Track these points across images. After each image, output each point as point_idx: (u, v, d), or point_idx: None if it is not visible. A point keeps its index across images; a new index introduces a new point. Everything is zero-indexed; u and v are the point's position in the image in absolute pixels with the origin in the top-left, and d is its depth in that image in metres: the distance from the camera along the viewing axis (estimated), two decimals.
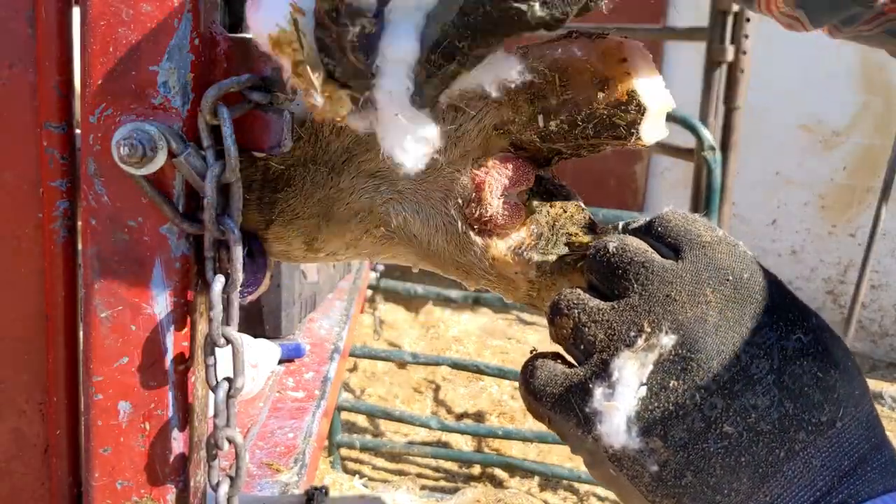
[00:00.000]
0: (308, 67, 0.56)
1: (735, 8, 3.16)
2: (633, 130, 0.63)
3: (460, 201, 0.67)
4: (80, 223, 0.66)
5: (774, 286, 0.55)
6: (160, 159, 0.61)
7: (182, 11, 0.61)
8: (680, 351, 0.53)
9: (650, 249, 0.58)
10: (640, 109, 0.62)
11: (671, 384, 0.52)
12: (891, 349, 5.56)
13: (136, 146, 0.59)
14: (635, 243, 0.59)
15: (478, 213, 0.66)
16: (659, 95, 0.64)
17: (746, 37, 3.17)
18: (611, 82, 0.63)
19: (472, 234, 0.67)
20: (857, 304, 5.10)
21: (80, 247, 0.66)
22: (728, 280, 0.54)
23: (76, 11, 0.64)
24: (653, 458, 0.52)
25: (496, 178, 0.66)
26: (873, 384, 5.14)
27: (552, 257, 0.66)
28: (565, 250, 0.67)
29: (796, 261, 5.79)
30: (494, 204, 0.66)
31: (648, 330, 0.54)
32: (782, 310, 0.53)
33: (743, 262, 0.56)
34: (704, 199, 3.23)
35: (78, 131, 0.65)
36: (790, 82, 5.09)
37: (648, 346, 0.53)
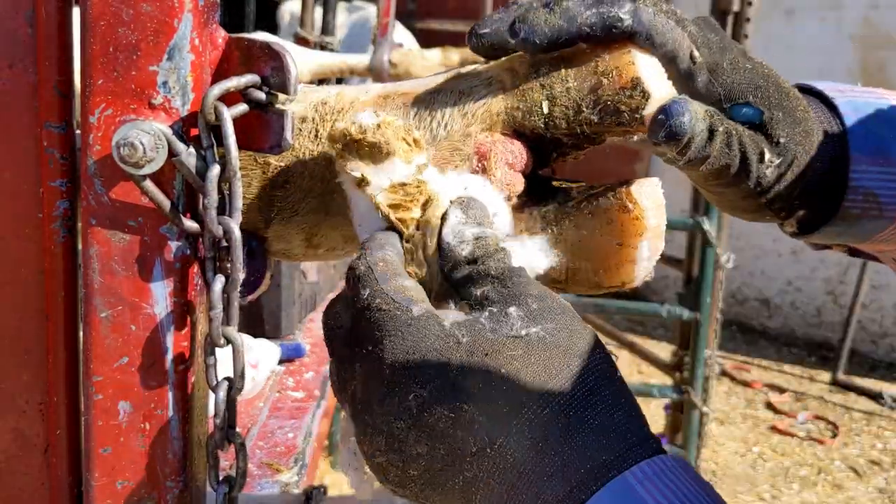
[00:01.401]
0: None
1: (735, 8, 3.16)
2: (636, 116, 0.64)
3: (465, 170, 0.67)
4: (80, 223, 0.66)
5: (389, 351, 0.58)
6: (160, 159, 0.61)
7: (182, 11, 0.61)
8: (355, 428, 0.61)
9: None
10: (645, 95, 0.64)
11: (365, 450, 0.60)
12: (891, 349, 5.56)
13: (136, 146, 0.59)
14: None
15: None
16: (662, 83, 0.65)
17: (746, 37, 3.18)
18: (615, 70, 0.64)
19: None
20: (857, 304, 5.10)
21: (80, 247, 0.66)
22: (362, 354, 0.59)
23: (76, 11, 0.64)
24: (398, 495, 0.60)
25: (501, 151, 0.66)
26: (873, 384, 5.14)
27: (555, 205, 0.67)
28: (566, 198, 0.67)
29: (796, 261, 5.79)
30: (498, 175, 0.66)
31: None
32: (396, 375, 0.57)
33: (373, 334, 0.59)
34: (704, 199, 3.23)
35: (78, 131, 0.65)
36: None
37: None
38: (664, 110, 0.63)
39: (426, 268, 0.64)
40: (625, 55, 0.64)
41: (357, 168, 0.64)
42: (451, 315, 0.59)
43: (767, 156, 0.71)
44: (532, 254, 0.66)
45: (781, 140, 0.71)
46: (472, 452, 0.55)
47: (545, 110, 0.65)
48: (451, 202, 0.65)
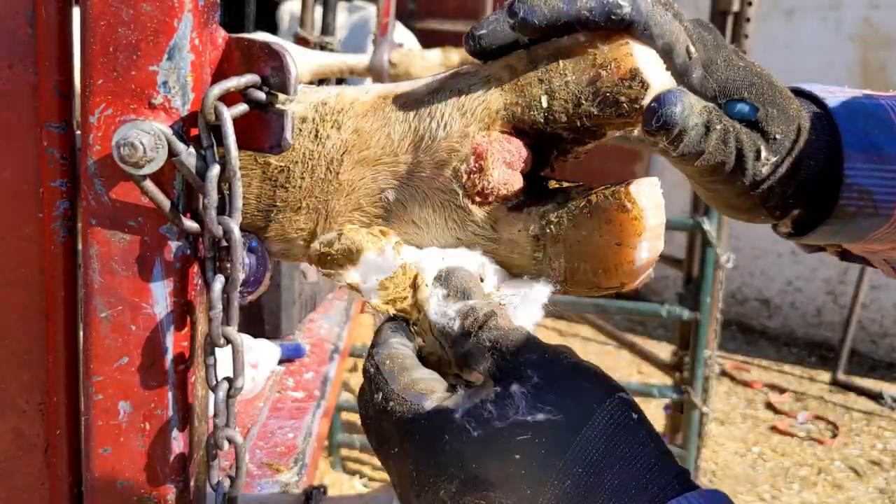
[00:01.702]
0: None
1: (735, 8, 3.16)
2: (636, 106, 0.64)
3: (462, 173, 0.67)
4: (80, 223, 0.66)
5: (412, 453, 0.60)
6: (160, 159, 0.61)
7: (182, 11, 0.61)
8: None
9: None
10: (644, 85, 0.64)
11: None
12: (891, 349, 5.55)
13: (136, 146, 0.59)
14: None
15: (480, 184, 0.66)
16: (661, 74, 0.65)
17: (746, 37, 3.18)
18: (614, 62, 0.64)
19: (472, 205, 0.67)
20: (857, 304, 5.10)
21: (80, 247, 0.66)
22: (391, 453, 0.63)
23: (76, 11, 0.64)
24: None
25: (498, 150, 0.66)
26: (873, 384, 5.14)
27: (554, 205, 0.66)
28: (564, 198, 0.67)
29: (796, 261, 5.79)
30: (496, 175, 0.66)
31: None
32: (423, 475, 0.60)
33: (395, 435, 0.62)
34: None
35: (78, 131, 0.65)
36: (789, 82, 5.07)
37: None
38: (657, 99, 0.63)
39: (437, 343, 0.67)
40: (623, 46, 0.64)
41: (343, 277, 0.69)
42: (461, 404, 0.60)
43: (763, 153, 0.71)
44: (530, 302, 0.68)
45: (777, 136, 0.71)
46: None
47: (544, 104, 0.65)
48: (430, 285, 0.67)
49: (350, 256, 0.69)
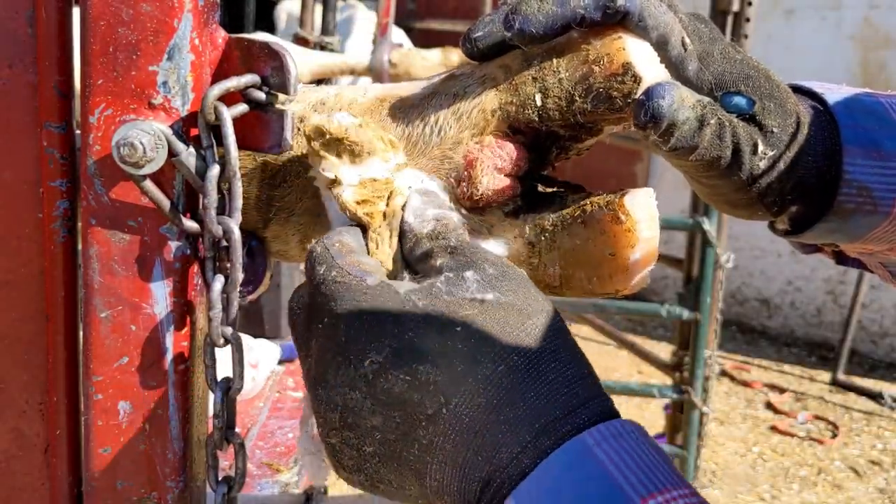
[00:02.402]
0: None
1: (735, 8, 3.17)
2: (629, 101, 0.63)
3: (452, 181, 0.67)
4: (80, 223, 0.66)
5: (344, 319, 0.58)
6: (160, 159, 0.61)
7: (182, 11, 0.61)
8: (312, 406, 0.61)
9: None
10: (636, 80, 0.63)
11: (319, 432, 0.60)
12: (891, 349, 5.56)
13: (136, 146, 0.59)
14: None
15: (469, 192, 0.66)
16: (654, 68, 0.65)
17: (746, 37, 3.18)
18: (606, 57, 0.64)
19: (464, 210, 0.67)
20: (857, 304, 5.10)
21: (80, 247, 0.66)
22: (318, 328, 0.60)
23: (76, 11, 0.64)
24: (351, 482, 0.61)
25: (488, 157, 0.66)
26: (873, 384, 5.14)
27: (549, 213, 0.67)
28: (560, 206, 0.67)
29: (796, 261, 5.79)
30: (484, 182, 0.66)
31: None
32: (352, 342, 0.57)
33: (328, 305, 0.59)
34: None
35: (78, 131, 0.65)
36: (789, 82, 5.07)
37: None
38: (646, 92, 0.63)
39: (389, 258, 0.65)
40: (615, 41, 0.64)
41: (332, 169, 0.66)
42: (407, 284, 0.60)
43: (761, 147, 0.70)
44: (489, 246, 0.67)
45: (774, 130, 0.71)
46: (427, 415, 0.55)
47: (538, 103, 0.65)
48: (411, 188, 0.67)
49: (357, 152, 0.66)
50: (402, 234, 0.65)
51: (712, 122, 0.66)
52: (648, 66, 0.64)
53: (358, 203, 0.65)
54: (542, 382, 0.55)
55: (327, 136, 0.65)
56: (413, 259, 0.64)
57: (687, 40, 0.70)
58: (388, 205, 0.66)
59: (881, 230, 0.75)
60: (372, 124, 0.67)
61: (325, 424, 0.58)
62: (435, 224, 0.64)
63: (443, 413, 0.54)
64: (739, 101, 0.71)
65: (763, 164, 0.71)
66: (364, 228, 0.66)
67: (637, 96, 0.63)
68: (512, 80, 0.66)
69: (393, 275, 0.65)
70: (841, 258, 0.87)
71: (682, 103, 0.63)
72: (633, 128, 0.65)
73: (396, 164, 0.67)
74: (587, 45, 0.65)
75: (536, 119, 0.66)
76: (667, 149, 0.66)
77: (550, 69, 0.65)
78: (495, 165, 0.66)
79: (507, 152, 0.66)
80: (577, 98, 0.65)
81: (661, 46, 0.67)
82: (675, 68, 0.70)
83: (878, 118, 0.74)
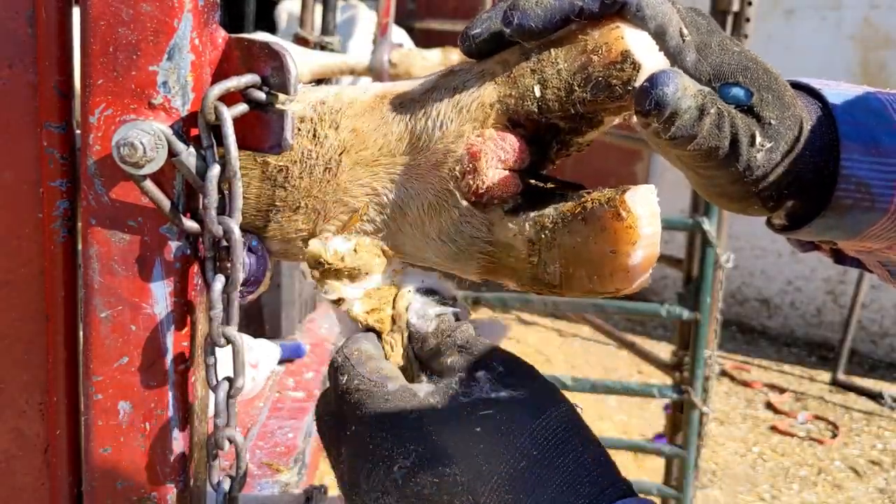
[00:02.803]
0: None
1: (735, 8, 3.16)
2: (629, 88, 0.63)
3: (457, 174, 0.67)
4: (80, 223, 0.66)
5: (372, 427, 0.61)
6: (160, 159, 0.61)
7: (182, 11, 0.61)
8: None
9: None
10: (636, 66, 0.63)
11: None
12: (891, 349, 5.56)
13: (136, 146, 0.59)
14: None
15: (474, 184, 0.66)
16: (653, 55, 0.65)
17: (746, 37, 3.18)
18: (604, 46, 0.64)
19: (469, 206, 0.67)
20: (857, 304, 5.10)
21: (80, 247, 0.66)
22: (346, 436, 0.63)
23: (76, 11, 0.64)
24: None
25: (491, 149, 0.66)
26: (873, 384, 5.14)
27: (549, 210, 0.66)
28: (561, 203, 0.67)
29: (796, 261, 5.79)
30: (490, 174, 0.66)
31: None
32: (379, 448, 0.60)
33: (355, 413, 0.62)
34: (704, 199, 3.23)
35: (78, 131, 0.65)
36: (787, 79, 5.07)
37: None
38: (650, 79, 0.63)
39: (404, 357, 0.70)
40: (613, 31, 0.64)
41: (334, 291, 0.71)
42: (425, 387, 0.63)
43: (759, 139, 0.70)
44: (488, 333, 0.72)
45: (772, 122, 0.70)
46: None
47: (537, 94, 0.65)
48: (411, 291, 0.71)
49: (355, 275, 0.71)
50: (410, 337, 0.70)
51: (712, 111, 0.66)
52: (647, 54, 0.64)
53: (367, 313, 0.70)
54: (563, 473, 0.57)
55: (325, 266, 0.70)
56: (424, 357, 0.68)
57: (685, 31, 0.70)
58: (394, 308, 0.71)
59: (879, 227, 0.75)
60: (365, 244, 0.71)
61: None
62: (438, 322, 0.68)
63: None
64: (738, 92, 0.71)
65: (760, 157, 0.70)
66: (377, 333, 0.71)
67: (638, 84, 0.63)
68: (510, 73, 0.66)
69: (410, 373, 0.69)
70: (839, 257, 0.87)
71: (684, 92, 0.63)
72: (634, 115, 0.64)
73: (393, 271, 0.72)
74: (585, 36, 0.65)
75: (536, 110, 0.65)
76: (667, 137, 0.65)
77: (549, 60, 0.65)
78: (499, 157, 0.66)
79: (510, 144, 0.66)
80: (577, 88, 0.64)
81: (658, 37, 0.67)
82: (673, 59, 0.70)
83: (876, 114, 0.74)
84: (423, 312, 0.70)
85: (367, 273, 0.71)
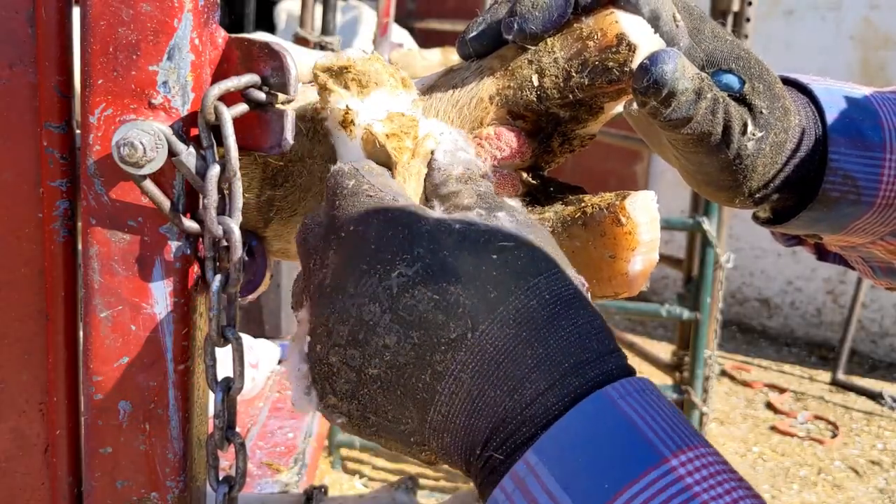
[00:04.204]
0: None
1: (735, 8, 3.17)
2: (626, 69, 0.64)
3: None
4: (80, 223, 0.66)
5: (375, 228, 0.55)
6: (160, 159, 0.61)
7: (182, 11, 0.61)
8: (315, 319, 0.57)
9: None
10: (631, 48, 0.64)
11: (318, 349, 0.56)
12: (891, 349, 5.56)
13: (136, 146, 0.59)
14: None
15: None
16: (649, 37, 0.65)
17: (746, 37, 3.18)
18: (600, 32, 0.65)
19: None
20: (857, 304, 5.10)
21: (80, 247, 0.66)
22: (341, 237, 0.57)
23: (76, 11, 0.64)
24: (338, 412, 0.57)
25: (486, 150, 0.66)
26: (873, 384, 5.14)
27: (549, 214, 0.67)
28: (560, 207, 0.67)
29: (796, 261, 5.79)
30: (486, 176, 0.66)
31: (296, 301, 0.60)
32: (382, 251, 0.55)
33: (358, 213, 0.57)
34: (704, 199, 3.23)
35: (78, 131, 0.65)
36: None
37: (298, 321, 0.59)
38: (650, 57, 0.63)
39: (416, 196, 0.64)
40: (608, 16, 0.65)
41: (341, 100, 0.64)
42: (440, 212, 0.58)
43: (750, 128, 0.70)
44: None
45: (763, 111, 0.71)
46: (449, 340, 0.52)
47: (535, 83, 0.66)
48: (442, 133, 0.65)
49: (364, 83, 0.64)
50: (430, 171, 0.63)
51: (708, 95, 0.66)
52: (643, 36, 0.65)
53: (389, 136, 0.63)
54: (573, 325, 0.53)
55: (335, 68, 0.64)
56: (439, 196, 0.62)
57: (678, 17, 0.70)
58: (416, 144, 0.64)
59: (864, 221, 0.75)
60: (382, 60, 0.65)
61: (327, 340, 0.55)
62: (464, 169, 0.63)
63: (467, 338, 0.52)
64: (730, 79, 0.71)
65: (751, 146, 0.71)
66: (388, 167, 0.64)
67: (634, 65, 0.63)
68: (508, 66, 0.67)
69: None
70: (822, 253, 0.87)
71: (683, 72, 0.63)
72: (633, 95, 0.64)
73: (413, 101, 0.66)
74: (580, 24, 0.66)
75: (535, 99, 0.66)
76: (663, 118, 0.65)
77: (545, 50, 0.66)
78: (496, 157, 0.66)
79: (507, 142, 0.66)
80: (574, 73, 0.65)
81: (652, 23, 0.67)
82: (667, 44, 0.70)
83: (862, 109, 0.75)
84: (452, 154, 0.63)
85: (376, 83, 0.64)
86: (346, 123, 0.64)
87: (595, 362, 0.52)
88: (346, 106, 0.64)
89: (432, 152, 0.64)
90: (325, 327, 0.55)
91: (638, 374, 0.53)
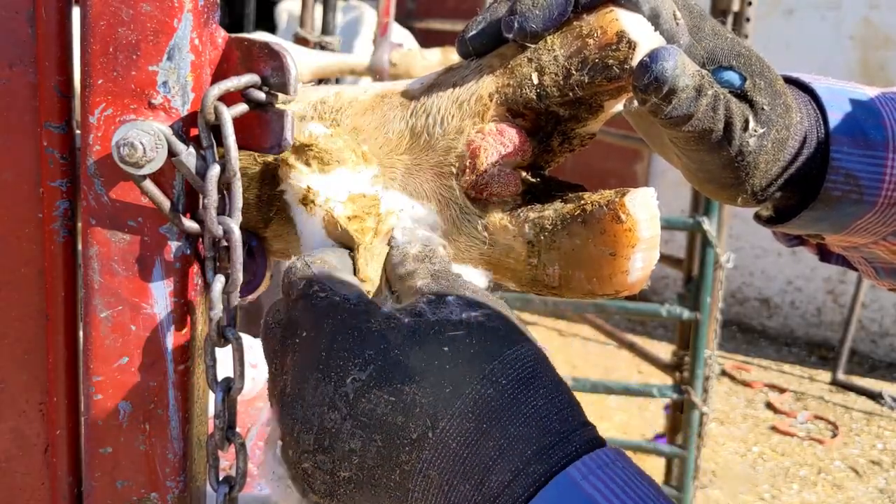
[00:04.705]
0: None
1: (735, 7, 3.17)
2: (626, 67, 0.64)
3: (454, 170, 0.67)
4: (80, 223, 0.66)
5: (326, 333, 0.56)
6: (160, 159, 0.61)
7: (182, 11, 0.61)
8: (282, 427, 0.58)
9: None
10: (631, 45, 0.64)
11: (290, 454, 0.56)
12: (891, 349, 5.56)
13: (136, 146, 0.59)
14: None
15: (473, 180, 0.66)
16: (649, 35, 0.65)
17: (746, 37, 3.17)
18: (599, 29, 0.64)
19: (468, 202, 0.67)
20: (857, 304, 5.10)
21: (80, 247, 0.66)
22: (296, 343, 0.57)
23: (76, 11, 0.64)
24: None
25: (491, 145, 0.66)
26: (873, 384, 5.14)
27: (549, 212, 0.66)
28: (559, 205, 0.67)
29: (796, 261, 5.79)
30: (489, 171, 0.66)
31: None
32: (333, 358, 0.55)
33: (309, 318, 0.57)
34: (704, 199, 3.23)
35: (78, 131, 0.65)
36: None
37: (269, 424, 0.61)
38: (650, 55, 0.62)
39: (377, 276, 0.65)
40: (608, 14, 0.65)
41: (302, 178, 0.66)
42: (390, 305, 0.58)
43: (752, 124, 0.70)
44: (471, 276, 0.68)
45: (765, 108, 0.70)
46: (412, 440, 0.52)
47: (535, 81, 0.65)
48: (404, 210, 0.67)
49: (325, 161, 0.66)
50: (389, 251, 0.65)
51: (709, 92, 0.66)
52: (643, 34, 0.65)
53: (351, 218, 0.65)
54: (532, 408, 0.53)
55: (297, 144, 0.66)
56: (397, 276, 0.63)
57: (678, 14, 0.69)
58: (378, 222, 0.66)
59: (866, 220, 0.75)
60: (345, 136, 0.67)
61: (296, 447, 0.55)
62: (422, 248, 0.64)
63: (428, 437, 0.52)
64: (731, 76, 0.71)
65: (753, 143, 0.70)
66: (349, 247, 0.65)
67: (634, 62, 0.63)
68: (507, 64, 0.67)
69: (380, 293, 0.64)
70: (824, 254, 0.87)
71: (684, 69, 0.63)
72: (633, 93, 0.64)
73: (373, 177, 0.67)
74: (580, 22, 0.65)
75: (535, 97, 0.66)
76: (664, 116, 0.65)
77: (545, 48, 0.66)
78: (499, 152, 0.66)
79: (510, 138, 0.66)
80: (574, 71, 0.65)
81: (652, 20, 0.67)
82: (667, 42, 0.70)
83: (864, 108, 0.74)
84: (410, 232, 0.65)
85: (338, 161, 0.65)
86: (306, 202, 0.66)
87: (558, 445, 0.52)
88: (307, 186, 0.65)
89: (392, 233, 0.66)
90: (291, 436, 0.56)
91: (609, 445, 0.53)
